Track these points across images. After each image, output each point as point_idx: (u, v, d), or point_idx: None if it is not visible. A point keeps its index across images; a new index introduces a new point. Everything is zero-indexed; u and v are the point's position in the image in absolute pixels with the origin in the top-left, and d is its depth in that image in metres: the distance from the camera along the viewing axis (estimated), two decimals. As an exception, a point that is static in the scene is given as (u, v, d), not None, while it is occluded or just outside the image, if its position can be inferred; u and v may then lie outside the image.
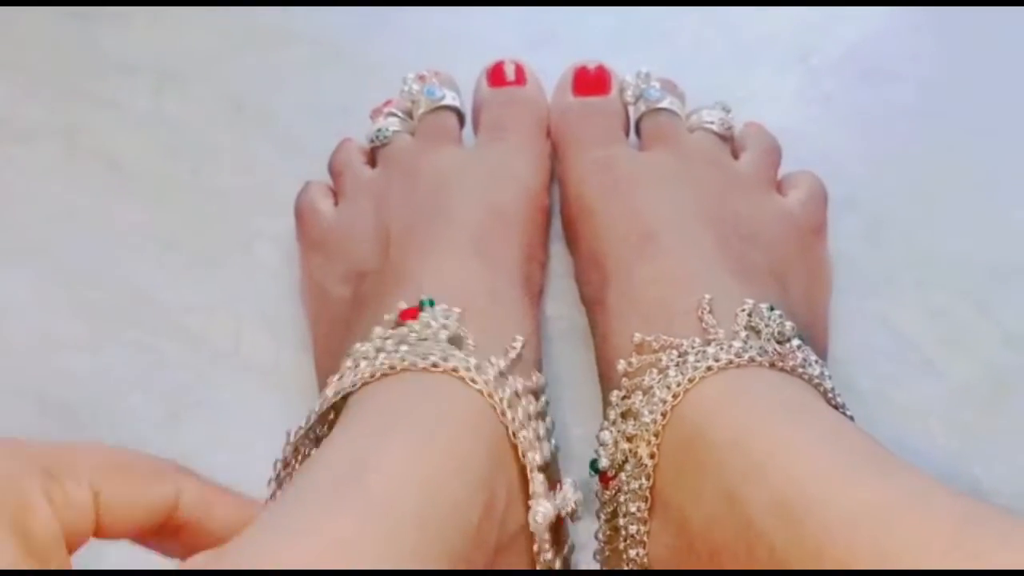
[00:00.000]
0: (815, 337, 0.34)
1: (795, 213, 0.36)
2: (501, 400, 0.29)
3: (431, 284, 0.32)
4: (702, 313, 0.31)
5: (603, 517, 0.31)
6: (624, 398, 0.31)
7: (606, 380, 0.33)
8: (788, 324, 0.31)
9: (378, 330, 0.31)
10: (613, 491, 0.30)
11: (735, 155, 0.38)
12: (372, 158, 0.38)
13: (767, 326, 0.31)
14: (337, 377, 0.30)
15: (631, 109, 0.39)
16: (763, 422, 0.27)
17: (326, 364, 0.34)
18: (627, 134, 0.38)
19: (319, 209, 0.37)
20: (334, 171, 0.38)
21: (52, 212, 0.41)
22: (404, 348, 0.30)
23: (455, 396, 0.29)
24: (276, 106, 0.43)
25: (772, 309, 0.31)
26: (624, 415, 0.31)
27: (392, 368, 0.29)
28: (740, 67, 0.43)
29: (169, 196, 0.41)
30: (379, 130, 0.38)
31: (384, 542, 0.24)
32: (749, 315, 0.31)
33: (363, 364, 0.30)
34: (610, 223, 0.35)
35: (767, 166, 0.37)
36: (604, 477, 0.31)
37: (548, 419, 0.31)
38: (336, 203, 0.37)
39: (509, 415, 0.29)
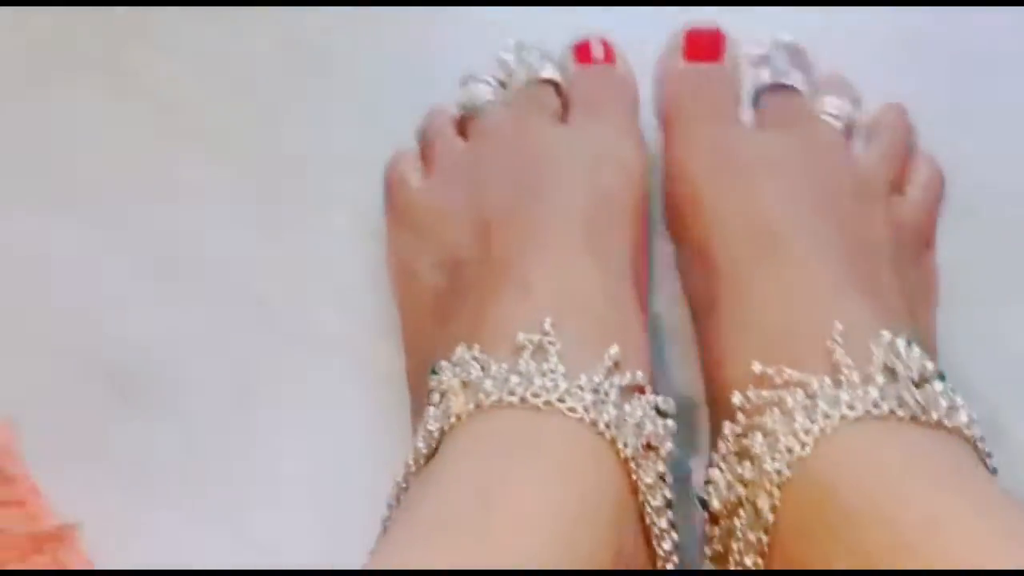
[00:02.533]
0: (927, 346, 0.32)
1: (908, 221, 0.34)
2: (608, 427, 0.27)
3: (542, 282, 0.31)
4: (833, 347, 0.28)
5: (709, 553, 0.29)
6: (740, 436, 0.28)
7: (715, 403, 0.31)
8: (929, 365, 0.28)
9: (469, 354, 0.29)
10: (723, 532, 0.28)
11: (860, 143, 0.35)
12: (463, 128, 0.36)
13: (906, 367, 0.28)
14: (433, 413, 0.29)
15: (751, 75, 0.36)
16: (907, 492, 0.25)
17: (416, 352, 0.33)
18: (739, 100, 0.36)
19: (410, 183, 0.35)
20: (424, 141, 0.36)
21: (108, 160, 0.38)
22: (488, 383, 0.28)
23: (568, 430, 0.27)
24: (362, 65, 0.40)
25: (910, 344, 0.29)
26: (739, 454, 0.28)
27: (479, 407, 0.28)
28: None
29: (235, 151, 0.39)
30: (471, 97, 0.36)
31: None
32: (886, 352, 0.28)
33: (462, 398, 0.28)
34: (724, 213, 0.32)
35: (891, 166, 0.35)
36: (713, 517, 0.29)
37: (667, 447, 0.29)
38: (428, 176, 0.35)
39: (620, 442, 0.27)
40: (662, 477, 0.28)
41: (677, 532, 0.29)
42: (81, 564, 0.32)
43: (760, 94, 0.36)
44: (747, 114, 0.36)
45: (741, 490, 0.28)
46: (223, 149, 0.39)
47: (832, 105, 0.35)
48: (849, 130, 0.35)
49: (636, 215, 0.34)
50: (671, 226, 0.35)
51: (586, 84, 0.36)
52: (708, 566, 0.29)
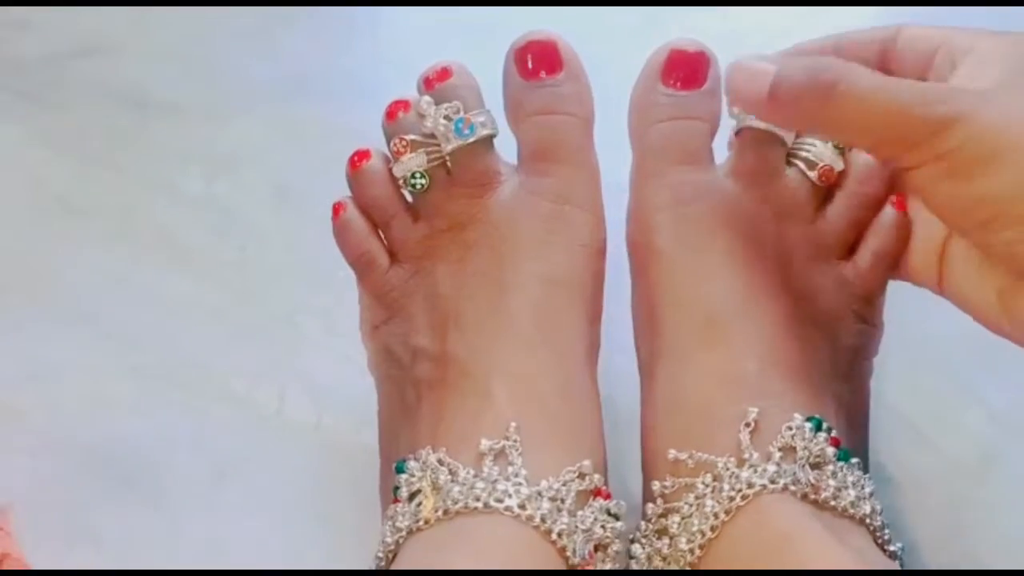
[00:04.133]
0: (856, 406, 0.35)
1: (855, 285, 0.34)
2: (560, 536, 0.30)
3: (501, 387, 0.32)
4: (741, 432, 0.31)
5: None
6: (660, 516, 0.32)
7: (644, 474, 0.34)
8: (829, 450, 0.31)
9: (434, 457, 0.32)
10: None
11: (830, 191, 0.35)
12: (399, 187, 0.36)
13: (805, 448, 0.31)
14: (402, 511, 0.32)
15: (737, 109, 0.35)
16: (785, 560, 0.29)
17: (387, 433, 0.36)
18: (715, 131, 0.35)
19: (380, 265, 0.35)
20: (379, 215, 0.36)
21: (105, 282, 0.44)
22: (456, 489, 0.31)
23: (526, 536, 0.30)
24: (318, 193, 0.46)
25: (818, 428, 0.31)
26: (658, 532, 0.32)
27: (447, 513, 0.31)
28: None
29: (217, 271, 0.44)
30: (412, 176, 0.34)
31: None
32: (792, 436, 0.31)
33: (431, 503, 0.31)
34: (675, 278, 0.34)
35: (849, 228, 0.34)
36: None
37: (615, 547, 0.32)
38: (392, 260, 0.36)
39: (569, 550, 0.30)
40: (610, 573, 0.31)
41: None
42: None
43: (742, 133, 0.35)
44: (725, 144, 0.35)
45: (659, 562, 0.31)
46: (208, 273, 0.44)
47: (811, 151, 0.34)
48: (824, 175, 0.34)
49: (587, 289, 0.34)
50: (631, 262, 0.35)
51: (531, 123, 0.35)
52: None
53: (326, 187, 0.46)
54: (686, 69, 0.34)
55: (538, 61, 0.34)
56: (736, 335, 0.33)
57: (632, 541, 0.32)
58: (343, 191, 0.46)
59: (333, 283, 0.43)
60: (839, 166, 0.35)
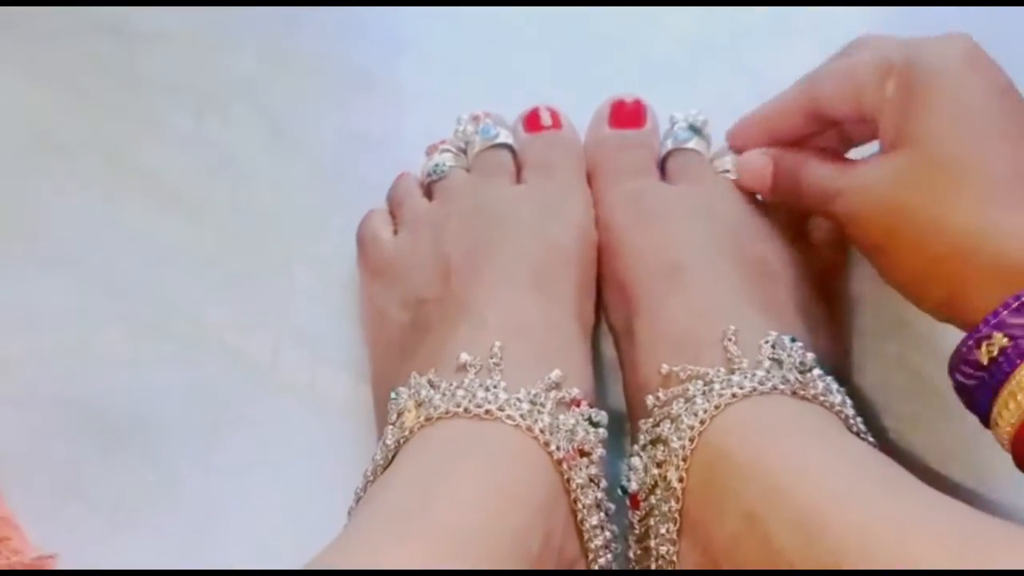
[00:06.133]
0: (836, 371, 0.35)
1: (817, 254, 0.38)
2: (543, 432, 0.31)
3: (494, 316, 0.34)
4: (727, 344, 0.32)
5: (634, 538, 0.32)
6: (654, 426, 0.32)
7: (634, 407, 0.35)
8: (809, 355, 0.33)
9: (424, 379, 0.33)
10: (643, 513, 0.32)
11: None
12: (428, 191, 0.40)
13: (789, 356, 0.32)
14: (390, 431, 0.32)
15: (663, 145, 0.40)
16: (782, 445, 0.29)
17: (383, 385, 0.36)
18: (659, 168, 0.40)
19: (381, 238, 0.38)
20: (393, 203, 0.40)
21: (91, 225, 0.42)
22: (437, 397, 0.32)
23: (505, 434, 0.31)
24: (313, 131, 0.44)
25: (794, 340, 0.33)
26: (653, 442, 0.32)
27: (428, 419, 0.31)
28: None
29: (208, 215, 0.42)
30: (436, 165, 0.39)
31: (449, 567, 0.26)
32: (772, 346, 0.32)
33: (415, 414, 0.32)
34: (638, 253, 0.36)
35: (790, 210, 0.38)
36: (634, 499, 0.32)
37: (599, 452, 0.32)
38: (396, 233, 0.39)
39: (553, 445, 0.31)
40: (593, 480, 0.32)
41: (610, 532, 0.32)
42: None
43: (666, 159, 0.40)
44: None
45: (656, 470, 0.31)
46: (201, 217, 0.42)
47: (728, 162, 0.38)
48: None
49: (582, 263, 0.37)
50: (600, 263, 0.38)
51: (537, 148, 0.39)
52: (633, 549, 0.33)
53: (322, 126, 0.44)
54: (629, 115, 0.39)
55: (543, 118, 0.40)
56: (703, 276, 0.35)
57: (630, 456, 0.33)
58: (339, 130, 0.44)
59: (328, 231, 0.41)
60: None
